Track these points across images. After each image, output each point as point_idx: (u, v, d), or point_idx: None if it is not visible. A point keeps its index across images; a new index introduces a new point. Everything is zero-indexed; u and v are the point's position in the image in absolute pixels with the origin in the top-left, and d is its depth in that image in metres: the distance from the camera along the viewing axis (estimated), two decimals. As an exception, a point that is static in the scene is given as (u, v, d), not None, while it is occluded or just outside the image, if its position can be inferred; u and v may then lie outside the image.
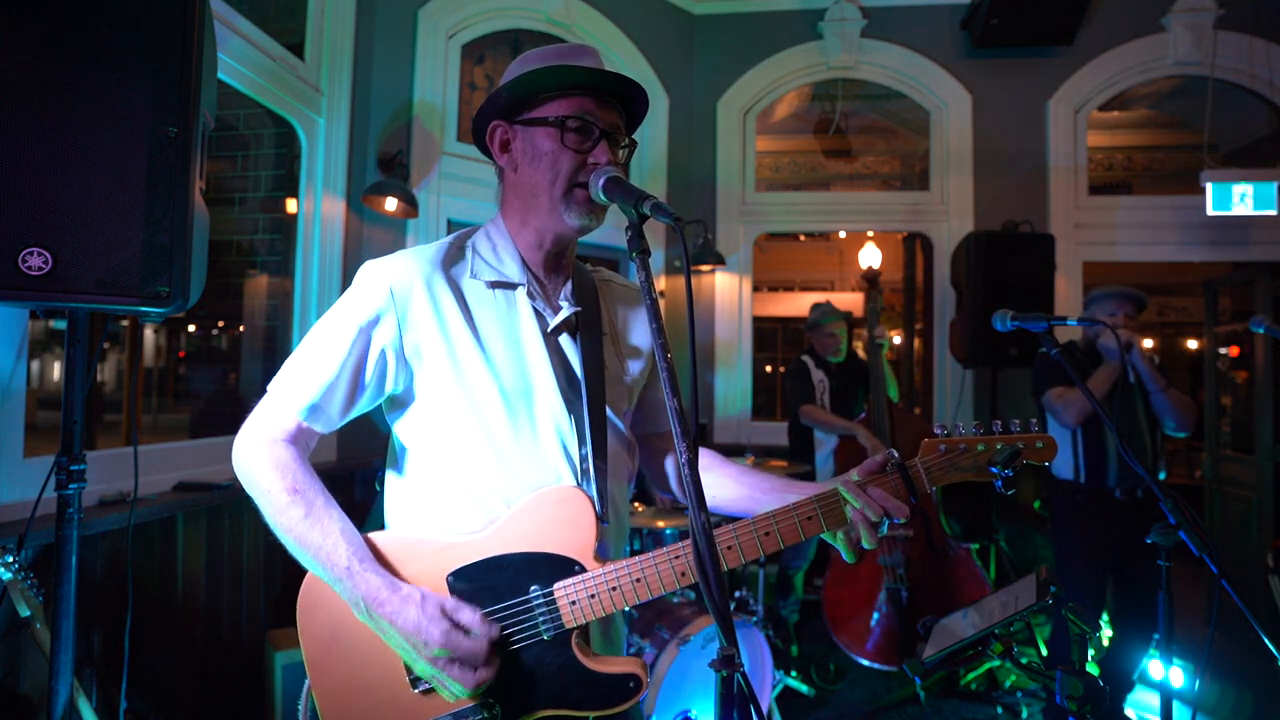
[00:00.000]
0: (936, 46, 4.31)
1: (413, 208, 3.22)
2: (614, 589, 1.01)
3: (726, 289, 4.44)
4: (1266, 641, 1.35)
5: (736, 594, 3.13)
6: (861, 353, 3.92)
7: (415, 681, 1.00)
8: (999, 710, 2.93)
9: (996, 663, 3.04)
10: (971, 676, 3.09)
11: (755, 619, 2.65)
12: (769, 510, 1.05)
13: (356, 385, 1.05)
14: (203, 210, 1.36)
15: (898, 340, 7.14)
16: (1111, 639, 2.74)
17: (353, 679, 1.00)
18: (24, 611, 1.45)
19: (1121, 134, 6.44)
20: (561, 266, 1.16)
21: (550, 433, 1.07)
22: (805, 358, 3.68)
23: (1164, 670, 1.53)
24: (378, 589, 0.96)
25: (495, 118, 1.11)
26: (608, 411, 1.12)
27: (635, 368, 1.21)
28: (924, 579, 3.08)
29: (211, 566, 2.36)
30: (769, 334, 10.39)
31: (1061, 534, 2.78)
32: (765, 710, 2.55)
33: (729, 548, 1.03)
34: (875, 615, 3.11)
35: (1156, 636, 1.57)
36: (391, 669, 1.00)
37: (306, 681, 1.03)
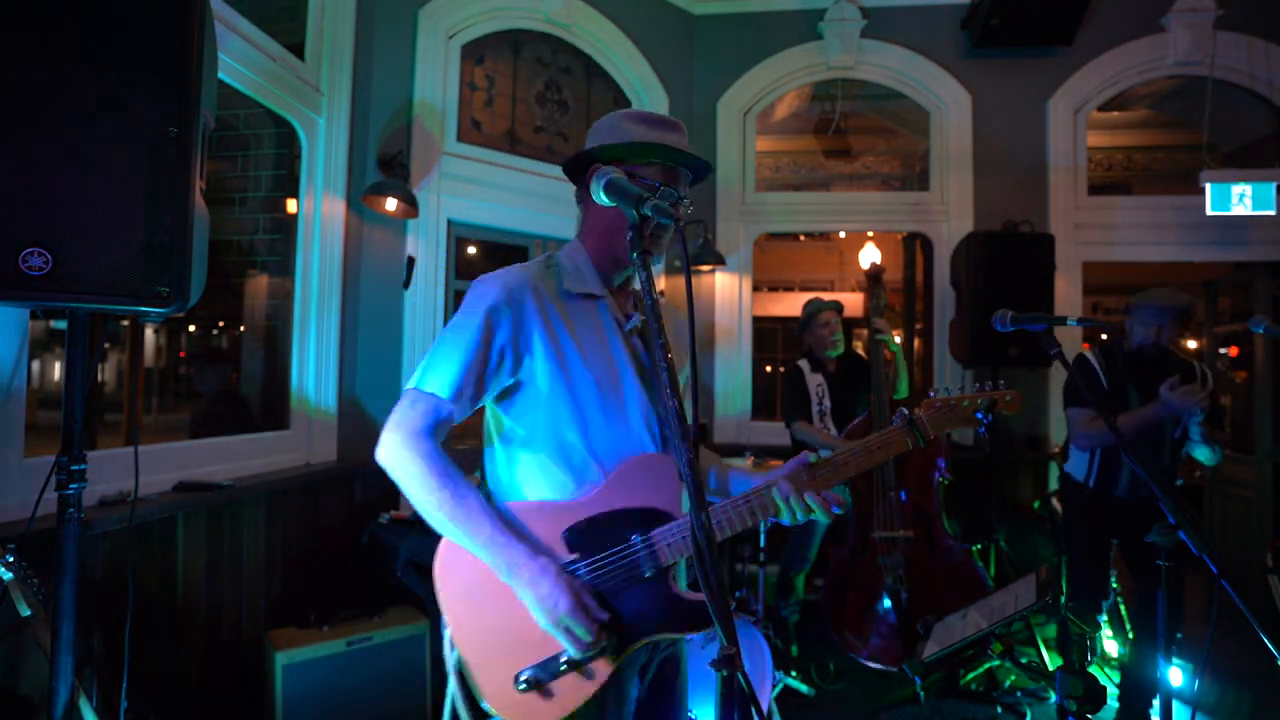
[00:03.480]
0: (936, 46, 4.31)
1: (413, 208, 3.22)
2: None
3: (726, 289, 4.44)
4: (1266, 641, 1.35)
5: (736, 594, 3.13)
6: (862, 351, 3.91)
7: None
8: (999, 710, 2.93)
9: (996, 663, 3.04)
10: (971, 676, 3.09)
11: (755, 619, 2.65)
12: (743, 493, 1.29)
13: (484, 376, 1.23)
14: (203, 210, 1.36)
15: (898, 340, 7.12)
16: (1134, 646, 2.73)
17: (489, 626, 1.20)
18: (25, 611, 1.45)
19: (1121, 134, 6.44)
20: (626, 286, 1.42)
21: (636, 413, 1.29)
22: (801, 362, 3.61)
23: (1164, 670, 1.54)
24: (517, 555, 1.16)
25: (599, 162, 1.31)
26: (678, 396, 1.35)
27: (680, 365, 1.45)
28: (924, 579, 3.08)
29: (211, 566, 2.36)
30: (769, 334, 10.37)
31: (1070, 527, 2.88)
32: (765, 710, 2.55)
33: (718, 523, 1.26)
34: (875, 615, 3.11)
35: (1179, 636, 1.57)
36: (522, 615, 1.17)
37: (448, 633, 1.23)
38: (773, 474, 1.33)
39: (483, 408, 1.33)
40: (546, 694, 1.17)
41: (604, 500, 1.23)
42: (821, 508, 1.24)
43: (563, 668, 1.17)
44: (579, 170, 1.36)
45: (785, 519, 1.27)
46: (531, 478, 1.28)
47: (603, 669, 1.18)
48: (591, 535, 1.21)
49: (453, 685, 1.23)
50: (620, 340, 1.32)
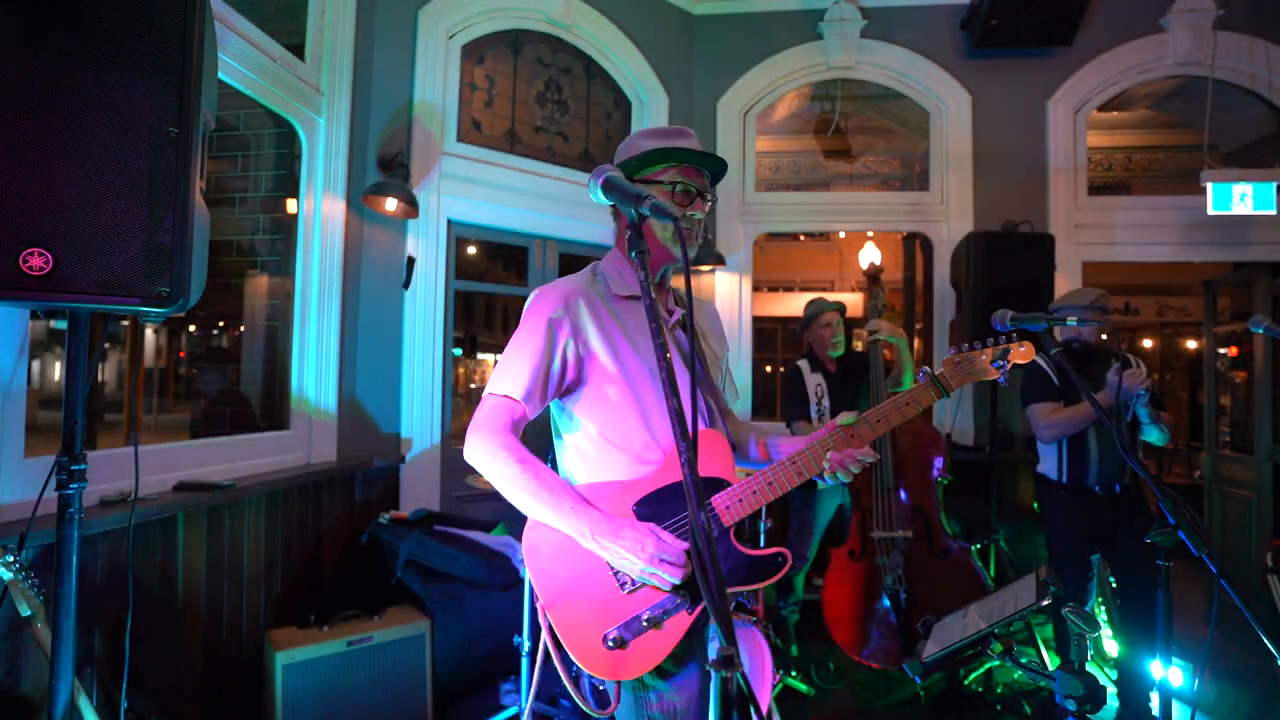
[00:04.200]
0: (936, 47, 4.31)
1: (413, 208, 3.22)
2: (754, 492, 1.38)
3: (726, 289, 4.44)
4: (1267, 641, 1.35)
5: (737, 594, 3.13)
6: (862, 349, 3.90)
7: (624, 585, 1.31)
8: (999, 710, 2.93)
9: (996, 663, 3.04)
10: (972, 677, 3.09)
11: (755, 619, 2.65)
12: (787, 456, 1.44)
13: (550, 373, 1.38)
14: (203, 210, 1.36)
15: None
16: (1123, 643, 2.76)
17: (574, 594, 1.32)
18: (25, 611, 1.45)
19: (1121, 134, 6.44)
20: (665, 284, 1.56)
21: (685, 397, 1.37)
22: (801, 362, 3.59)
23: (1164, 670, 1.54)
24: (597, 519, 1.30)
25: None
26: (716, 381, 1.58)
27: (719, 351, 1.64)
28: (924, 579, 3.08)
29: (211, 566, 2.36)
30: (769, 334, 10.39)
31: (1049, 524, 2.95)
32: (765, 710, 2.56)
33: (769, 483, 1.40)
34: (874, 615, 3.11)
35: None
36: (604, 581, 1.31)
37: (540, 603, 1.34)
38: (812, 435, 1.45)
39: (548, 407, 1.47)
40: (631, 651, 1.29)
41: (666, 474, 1.38)
42: (859, 463, 1.39)
43: (645, 625, 1.29)
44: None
45: (829, 479, 1.42)
46: (598, 463, 1.42)
47: (679, 625, 1.30)
48: (658, 505, 1.36)
49: (547, 645, 1.37)
50: (666, 334, 1.42)
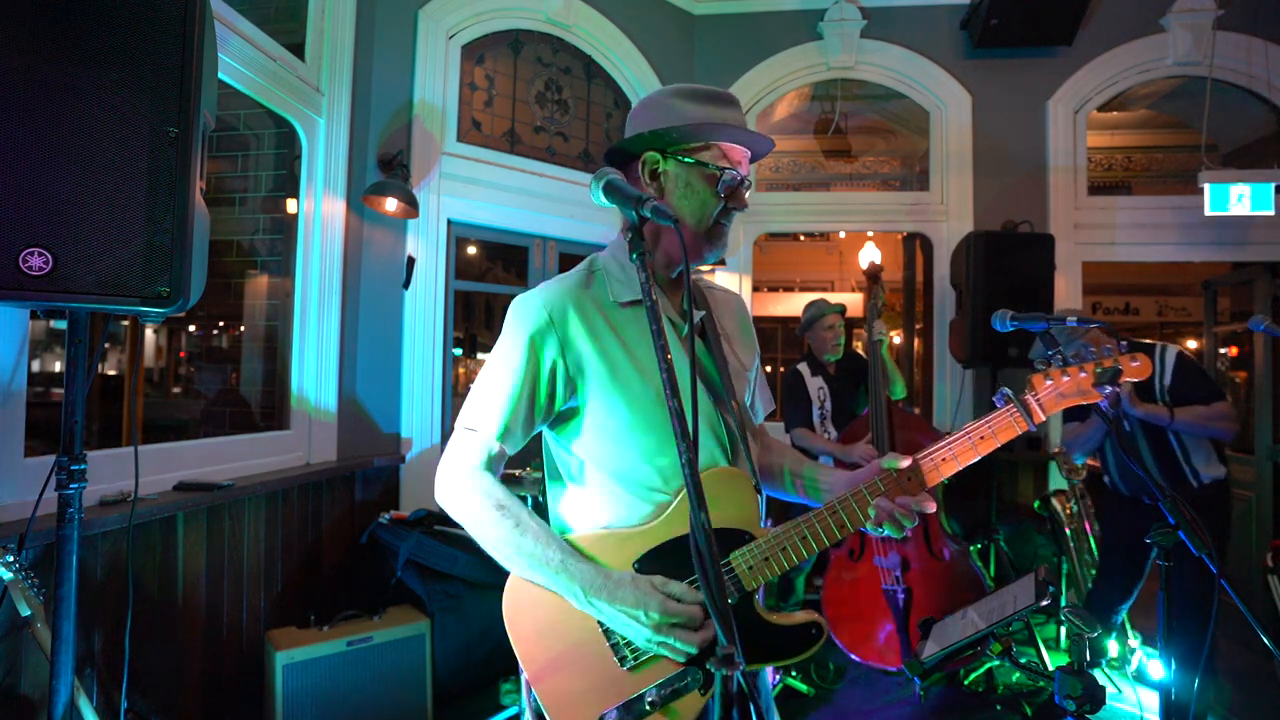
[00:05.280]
0: (936, 47, 4.31)
1: (413, 208, 3.22)
2: (784, 549, 1.14)
3: (726, 289, 4.44)
4: (1267, 641, 1.35)
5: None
6: (862, 350, 3.90)
7: (623, 660, 1.11)
8: (999, 709, 2.93)
9: (996, 663, 3.04)
10: (972, 677, 3.09)
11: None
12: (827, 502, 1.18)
13: (535, 401, 1.16)
14: (203, 210, 1.36)
15: (897, 340, 7.13)
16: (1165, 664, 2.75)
17: (565, 667, 1.12)
18: (25, 611, 1.45)
19: (1121, 134, 6.45)
20: (678, 283, 1.28)
21: (703, 423, 1.18)
22: (801, 365, 3.58)
23: (1164, 670, 1.54)
24: (592, 576, 1.09)
25: (650, 148, 1.21)
26: (739, 399, 1.29)
27: (747, 361, 1.37)
28: (923, 579, 3.08)
29: (211, 566, 2.36)
30: (769, 334, 10.38)
31: (1103, 529, 3.06)
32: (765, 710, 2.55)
33: (804, 537, 1.16)
34: (874, 615, 3.11)
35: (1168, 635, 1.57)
36: (599, 653, 1.12)
37: (524, 676, 1.15)
38: (856, 475, 1.22)
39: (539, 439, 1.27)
40: None
41: (674, 524, 1.14)
42: (913, 515, 1.12)
43: (648, 707, 1.09)
44: (625, 159, 1.23)
45: (872, 531, 1.17)
46: (598, 506, 1.19)
47: (690, 708, 1.09)
48: (664, 562, 1.12)
49: None
50: (677, 344, 1.21)
